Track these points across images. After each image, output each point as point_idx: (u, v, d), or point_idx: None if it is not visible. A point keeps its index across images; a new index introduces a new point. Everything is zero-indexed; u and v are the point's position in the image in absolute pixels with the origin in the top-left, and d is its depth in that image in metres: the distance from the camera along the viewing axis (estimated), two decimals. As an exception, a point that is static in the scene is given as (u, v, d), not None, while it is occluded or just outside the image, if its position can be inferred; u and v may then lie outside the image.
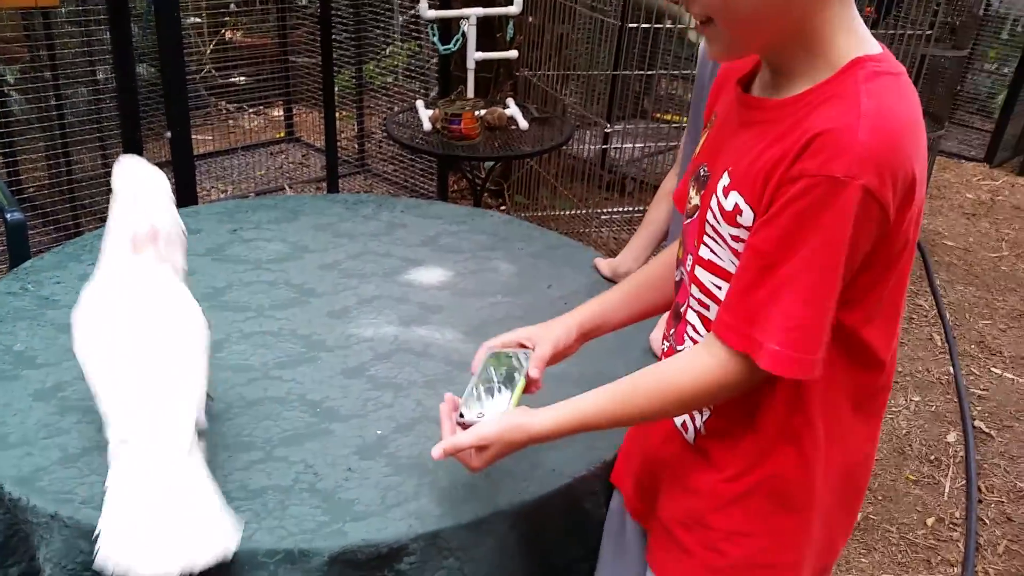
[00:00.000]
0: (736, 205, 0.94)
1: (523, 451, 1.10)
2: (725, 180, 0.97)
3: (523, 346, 1.17)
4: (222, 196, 4.05)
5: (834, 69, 0.90)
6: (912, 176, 0.87)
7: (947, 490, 2.65)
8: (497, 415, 1.04)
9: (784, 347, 0.89)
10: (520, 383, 1.10)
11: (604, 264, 1.81)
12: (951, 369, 3.29)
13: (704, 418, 1.06)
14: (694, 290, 1.05)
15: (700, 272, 1.03)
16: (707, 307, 1.03)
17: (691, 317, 1.07)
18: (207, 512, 0.99)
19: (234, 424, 1.25)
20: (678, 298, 1.12)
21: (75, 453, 1.17)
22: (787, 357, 0.90)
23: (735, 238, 0.96)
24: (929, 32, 3.47)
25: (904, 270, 0.95)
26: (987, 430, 2.96)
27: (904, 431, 2.90)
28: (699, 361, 0.97)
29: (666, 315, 1.20)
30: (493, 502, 1.12)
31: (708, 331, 1.01)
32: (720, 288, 1.00)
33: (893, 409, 3.02)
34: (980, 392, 3.18)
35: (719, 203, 0.97)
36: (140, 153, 2.95)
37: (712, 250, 1.01)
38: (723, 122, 1.06)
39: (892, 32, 3.54)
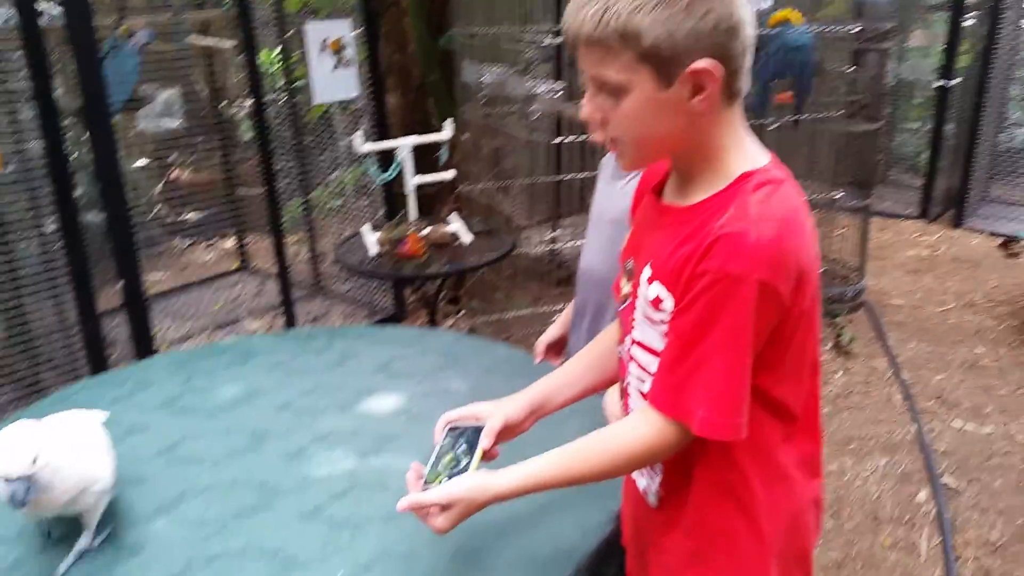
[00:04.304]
0: (658, 295, 1.09)
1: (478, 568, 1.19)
2: (648, 272, 1.12)
3: (478, 419, 1.28)
4: (180, 334, 4.06)
5: (728, 181, 1.06)
6: (799, 264, 1.02)
7: (924, 551, 2.67)
8: (461, 477, 1.14)
9: (710, 413, 1.03)
10: (478, 451, 1.20)
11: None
12: (913, 428, 3.35)
13: (657, 483, 1.19)
14: (632, 367, 1.19)
15: (636, 351, 1.17)
16: (643, 381, 1.16)
17: (632, 392, 1.20)
18: None
19: (195, 583, 1.25)
20: (620, 374, 1.25)
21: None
22: (714, 422, 1.04)
23: (661, 322, 1.10)
24: (840, 113, 3.69)
25: (806, 336, 1.09)
26: (955, 485, 3.00)
27: (875, 495, 2.93)
28: (637, 427, 1.10)
29: (618, 384, 1.32)
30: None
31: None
32: (653, 365, 1.12)
33: (862, 474, 3.06)
34: (944, 448, 3.23)
35: (645, 292, 1.11)
36: (93, 301, 2.98)
37: (644, 332, 1.14)
38: (641, 222, 1.22)
39: (811, 116, 3.76)
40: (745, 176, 1.05)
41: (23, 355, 3.23)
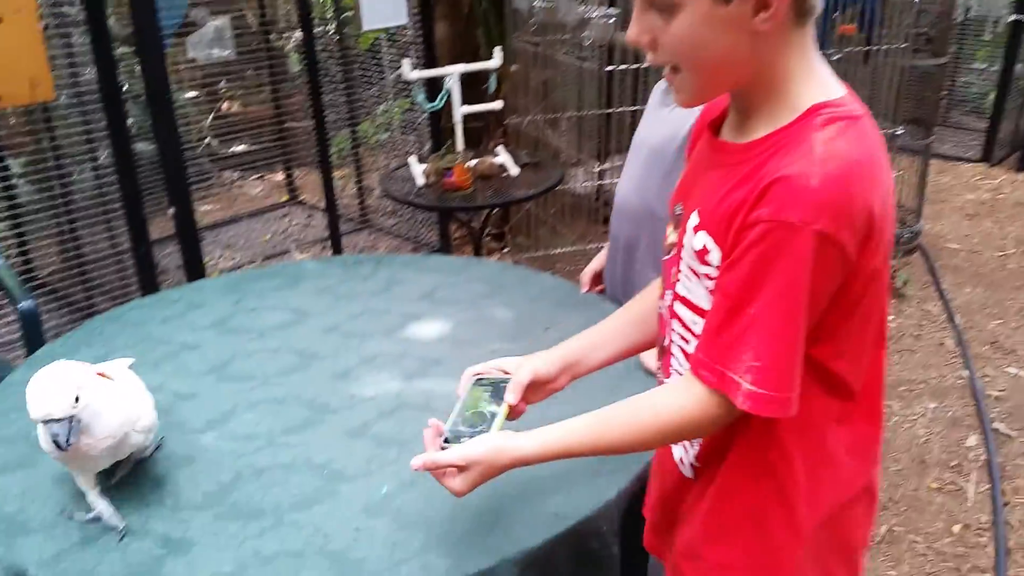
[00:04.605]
0: (704, 245, 0.97)
1: (525, 497, 1.17)
2: (695, 220, 0.99)
3: (505, 373, 1.20)
4: (230, 264, 4.13)
5: (794, 114, 0.92)
6: (870, 215, 0.89)
7: (971, 495, 2.63)
8: (481, 438, 1.06)
9: (757, 386, 0.91)
10: (503, 409, 1.13)
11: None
12: (965, 373, 3.28)
13: (694, 453, 1.09)
14: (675, 324, 1.08)
15: (679, 307, 1.06)
16: (687, 341, 1.05)
17: (674, 351, 1.09)
18: None
19: (244, 492, 1.28)
20: (661, 332, 1.14)
21: (94, 534, 1.20)
22: (761, 396, 0.91)
23: (707, 276, 0.98)
24: (905, 45, 3.53)
25: (873, 301, 0.96)
26: (1007, 432, 2.94)
27: (923, 439, 2.89)
28: (677, 397, 0.99)
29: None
30: (500, 552, 1.14)
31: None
32: (697, 323, 1.01)
33: (910, 417, 3.01)
34: (997, 393, 3.16)
35: (691, 242, 1.00)
36: (145, 229, 3.03)
37: (687, 287, 1.03)
38: (695, 163, 1.09)
39: (875, 48, 3.61)
40: (814, 109, 0.91)
41: (77, 281, 3.32)
